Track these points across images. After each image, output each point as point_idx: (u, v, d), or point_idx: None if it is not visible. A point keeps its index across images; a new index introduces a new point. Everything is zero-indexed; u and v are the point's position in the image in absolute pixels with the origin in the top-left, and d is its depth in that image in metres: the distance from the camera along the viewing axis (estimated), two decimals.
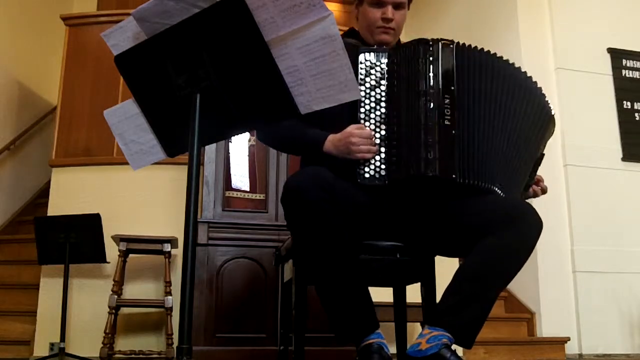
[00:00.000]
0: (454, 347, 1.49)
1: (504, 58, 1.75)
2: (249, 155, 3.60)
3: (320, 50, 1.18)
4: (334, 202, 1.56)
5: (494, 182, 1.66)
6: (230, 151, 3.55)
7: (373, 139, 1.65)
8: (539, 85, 1.81)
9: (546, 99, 1.82)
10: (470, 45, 1.70)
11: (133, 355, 3.37)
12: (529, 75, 1.79)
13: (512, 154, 1.71)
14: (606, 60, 4.74)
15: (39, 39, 5.39)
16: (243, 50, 1.23)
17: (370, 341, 1.52)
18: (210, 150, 3.45)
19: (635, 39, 4.82)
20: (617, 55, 4.76)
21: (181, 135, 1.32)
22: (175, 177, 3.71)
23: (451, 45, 1.67)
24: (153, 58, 1.32)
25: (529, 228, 1.58)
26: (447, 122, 1.62)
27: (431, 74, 1.64)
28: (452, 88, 1.64)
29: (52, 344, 3.43)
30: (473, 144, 1.65)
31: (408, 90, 1.66)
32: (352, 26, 1.97)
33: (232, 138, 3.52)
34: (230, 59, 1.25)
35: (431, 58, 1.65)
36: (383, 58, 1.70)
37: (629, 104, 4.71)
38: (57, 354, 3.20)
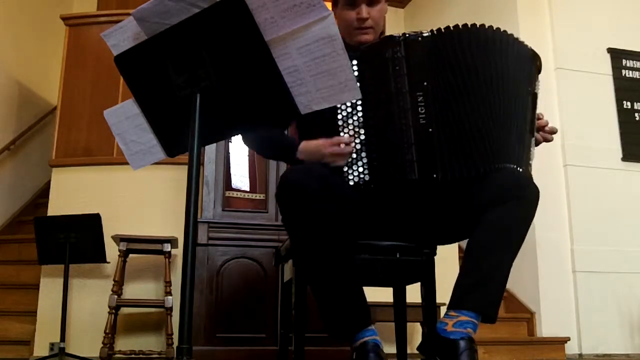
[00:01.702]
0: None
1: (477, 25, 1.65)
2: (249, 155, 3.60)
3: (320, 50, 1.18)
4: (333, 198, 1.56)
5: (492, 163, 1.62)
6: (230, 151, 3.55)
7: (351, 144, 1.65)
8: (515, 37, 1.70)
9: (521, 43, 1.70)
10: (439, 32, 1.62)
11: (133, 355, 3.37)
12: (496, 28, 1.66)
13: (504, 126, 1.63)
14: (606, 60, 4.75)
15: (39, 39, 5.39)
16: (243, 50, 1.23)
17: (365, 339, 1.52)
18: (210, 150, 3.45)
19: (635, 39, 4.83)
20: (617, 55, 4.76)
21: (181, 135, 1.32)
22: (175, 177, 3.71)
23: (420, 39, 1.61)
24: (153, 58, 1.32)
25: (528, 198, 1.59)
26: (422, 121, 1.59)
27: (402, 72, 1.61)
28: (425, 84, 1.60)
29: (52, 344, 3.43)
30: (454, 137, 1.60)
31: (381, 92, 1.63)
32: None
33: (232, 138, 3.52)
34: (230, 59, 1.25)
35: (399, 55, 1.61)
36: (353, 61, 1.66)
37: (629, 104, 4.71)
38: (57, 354, 3.20)
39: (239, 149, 3.58)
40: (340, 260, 1.57)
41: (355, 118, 1.67)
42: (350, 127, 1.67)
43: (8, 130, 4.98)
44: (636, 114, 4.72)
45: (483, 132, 1.62)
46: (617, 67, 4.74)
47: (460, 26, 1.63)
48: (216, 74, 1.26)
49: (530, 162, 1.73)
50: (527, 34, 4.67)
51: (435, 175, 1.59)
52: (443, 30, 1.62)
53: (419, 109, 1.59)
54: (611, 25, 4.80)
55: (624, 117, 4.66)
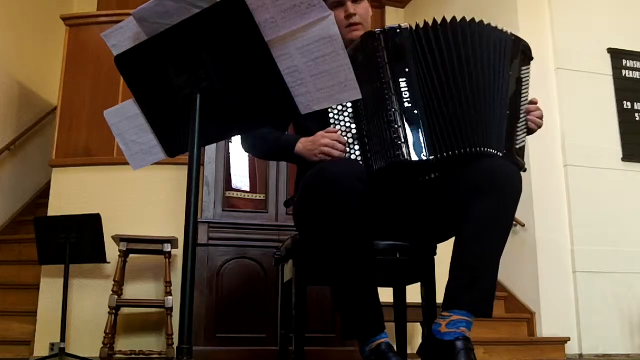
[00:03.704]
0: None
1: (457, 19, 1.75)
2: (249, 156, 3.59)
3: (320, 50, 1.18)
4: (367, 201, 1.57)
5: (472, 146, 1.65)
6: (230, 151, 3.55)
7: (344, 140, 1.68)
8: (499, 27, 1.79)
9: (500, 30, 1.79)
10: (417, 26, 1.73)
11: (133, 355, 3.37)
12: (472, 20, 1.78)
13: (480, 110, 1.68)
14: (606, 60, 4.75)
15: (39, 39, 5.39)
16: (243, 51, 1.23)
17: (380, 341, 1.55)
18: (210, 150, 3.45)
19: (635, 39, 4.83)
20: (617, 55, 4.76)
21: (181, 135, 1.32)
22: (175, 177, 3.71)
23: (398, 30, 1.71)
24: (153, 58, 1.32)
25: (509, 190, 1.61)
26: (407, 104, 1.65)
27: (384, 62, 1.68)
28: (407, 70, 1.67)
29: (52, 344, 3.43)
30: (436, 118, 1.66)
31: (369, 83, 1.69)
32: None
33: (232, 138, 3.51)
34: (230, 59, 1.25)
35: (379, 47, 1.69)
36: None
37: (629, 104, 4.71)
38: (57, 354, 3.20)
39: (239, 149, 3.58)
40: (367, 263, 1.59)
41: (346, 113, 1.73)
42: (343, 122, 1.72)
43: (8, 130, 4.98)
44: (636, 114, 4.72)
45: (460, 114, 1.67)
46: (617, 67, 4.74)
47: (439, 21, 1.75)
48: (216, 74, 1.26)
49: (517, 146, 1.76)
50: (527, 34, 4.62)
51: (424, 157, 1.63)
52: (421, 24, 1.74)
53: (403, 93, 1.66)
54: (611, 25, 4.80)
55: (624, 117, 4.66)
